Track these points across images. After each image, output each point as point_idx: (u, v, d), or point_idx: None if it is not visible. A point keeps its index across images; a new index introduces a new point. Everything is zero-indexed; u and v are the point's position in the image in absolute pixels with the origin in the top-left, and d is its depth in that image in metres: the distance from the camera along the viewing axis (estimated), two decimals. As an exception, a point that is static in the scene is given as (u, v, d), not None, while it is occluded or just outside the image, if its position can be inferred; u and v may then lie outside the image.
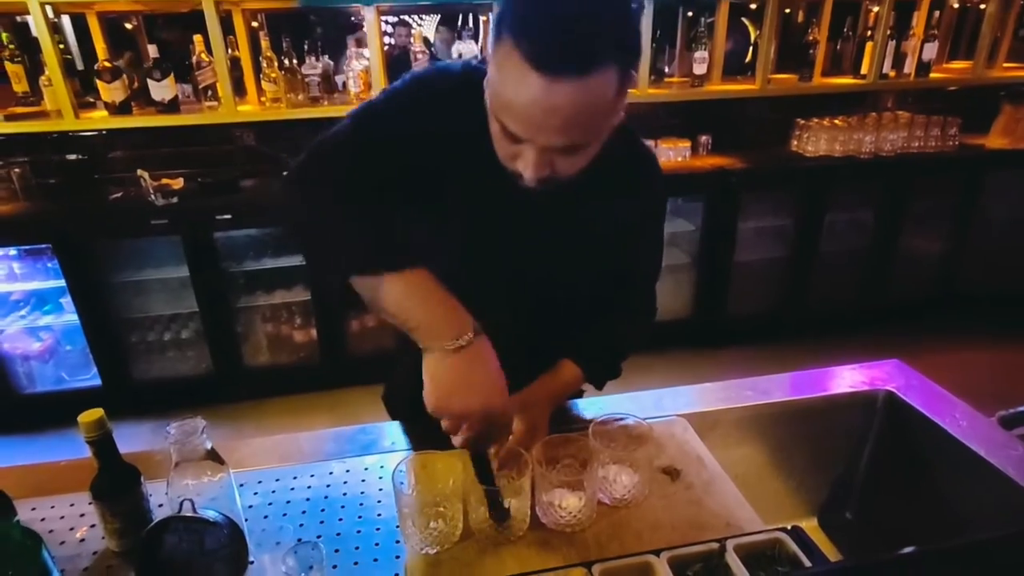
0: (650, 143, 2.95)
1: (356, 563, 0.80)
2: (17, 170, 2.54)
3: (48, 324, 2.65)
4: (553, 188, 0.80)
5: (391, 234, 0.77)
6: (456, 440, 0.76)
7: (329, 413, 2.72)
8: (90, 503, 0.78)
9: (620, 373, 1.05)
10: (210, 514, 0.67)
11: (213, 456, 0.75)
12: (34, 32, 2.48)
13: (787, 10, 3.32)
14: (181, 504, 0.65)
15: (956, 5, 3.42)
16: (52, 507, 0.90)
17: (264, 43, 2.59)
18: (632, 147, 0.95)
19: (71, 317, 2.54)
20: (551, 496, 0.83)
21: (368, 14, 2.48)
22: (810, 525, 1.18)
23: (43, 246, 2.42)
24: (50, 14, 2.24)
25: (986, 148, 3.08)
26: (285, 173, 0.85)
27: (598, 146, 0.78)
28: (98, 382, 2.63)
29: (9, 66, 2.42)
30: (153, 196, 2.48)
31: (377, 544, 0.83)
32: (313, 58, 2.62)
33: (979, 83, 3.12)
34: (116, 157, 2.71)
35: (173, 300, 2.68)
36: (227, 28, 2.52)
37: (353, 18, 3.29)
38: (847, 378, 1.19)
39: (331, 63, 2.84)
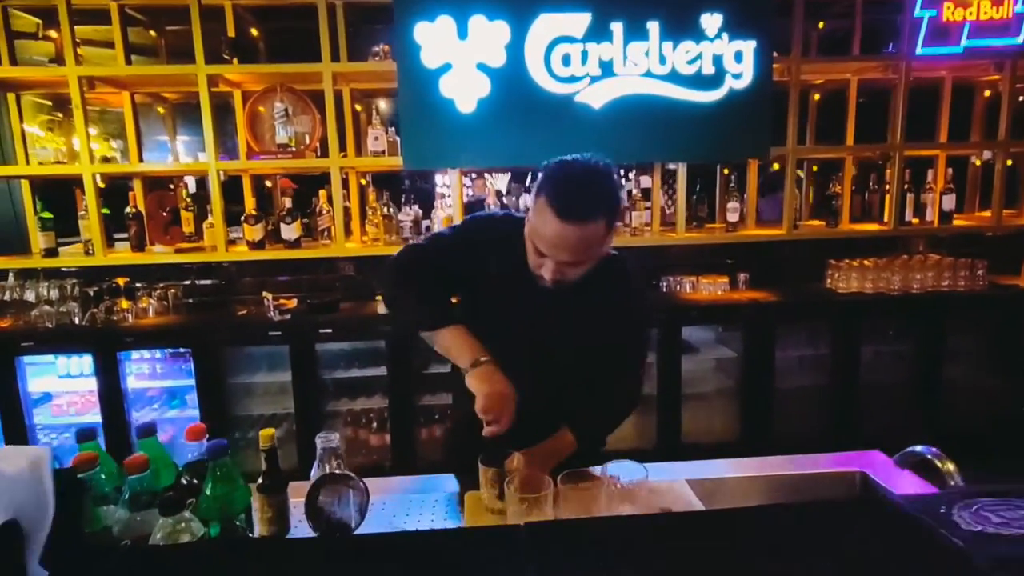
0: (692, 279, 3.34)
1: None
2: (173, 291, 3.21)
3: (172, 417, 3.16)
4: (562, 287, 1.27)
5: (445, 306, 1.33)
6: (487, 430, 1.17)
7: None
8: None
9: (604, 442, 1.44)
10: (350, 473, 1.03)
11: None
12: (192, 188, 3.30)
13: (815, 168, 3.78)
14: (331, 461, 1.01)
15: (978, 163, 3.78)
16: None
17: (371, 195, 3.27)
18: (618, 268, 1.41)
19: (192, 411, 3.04)
20: (570, 517, 1.12)
21: (452, 174, 3.12)
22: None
23: (184, 350, 2.99)
24: (222, 176, 3.00)
25: (1020, 287, 3.26)
26: (387, 261, 1.39)
27: (592, 263, 1.26)
28: (224, 441, 3.05)
29: (184, 213, 3.18)
30: (272, 313, 3.05)
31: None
32: (407, 207, 3.26)
33: (1003, 230, 3.38)
34: (247, 282, 3.37)
35: (274, 402, 3.15)
36: (344, 184, 3.23)
37: (440, 175, 4.02)
38: (834, 462, 1.43)
39: (420, 211, 3.48)
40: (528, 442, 1.30)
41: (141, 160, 3.13)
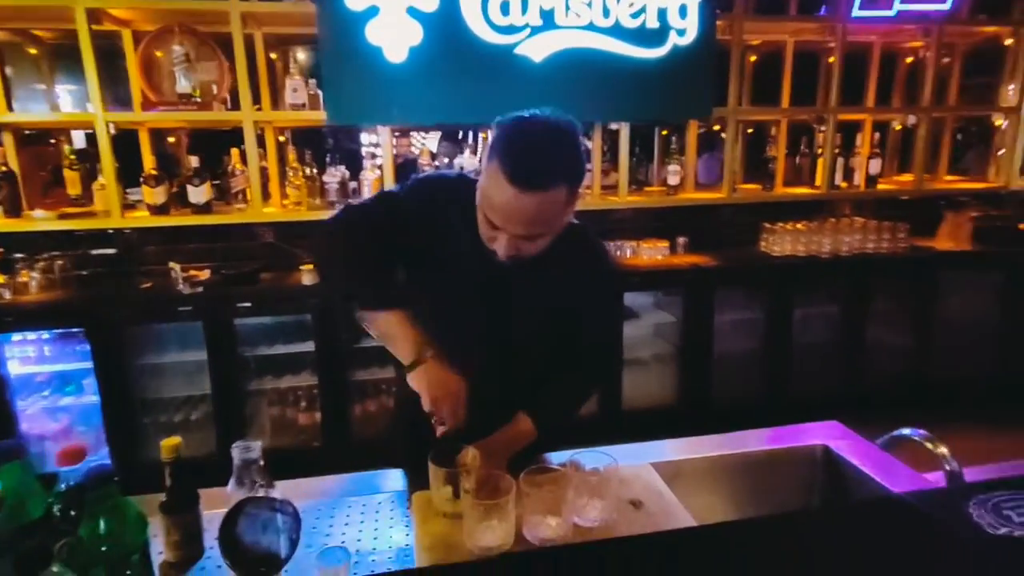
0: (633, 244, 3.28)
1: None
2: (59, 262, 2.81)
3: (67, 405, 2.81)
4: (519, 263, 1.11)
5: (390, 283, 1.14)
6: (438, 431, 1.05)
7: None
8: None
9: (567, 426, 1.30)
10: (275, 495, 0.85)
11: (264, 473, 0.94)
12: (80, 144, 2.88)
13: (749, 130, 3.78)
14: (254, 484, 0.83)
15: (899, 127, 3.89)
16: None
17: (291, 155, 2.97)
18: (583, 239, 1.25)
19: (91, 398, 2.71)
20: (535, 517, 1.00)
21: (383, 132, 2.87)
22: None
23: (76, 330, 2.63)
24: (112, 130, 2.61)
25: (935, 249, 3.41)
26: (323, 224, 1.20)
27: (552, 237, 1.10)
28: (107, 462, 2.74)
29: (68, 173, 2.76)
30: (181, 286, 2.74)
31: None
32: (333, 168, 2.99)
33: (923, 194, 3.51)
34: (150, 251, 3.00)
35: (188, 383, 2.86)
36: (259, 141, 2.90)
37: (368, 134, 3.72)
38: (793, 436, 1.39)
39: (347, 172, 3.20)
40: (484, 432, 1.16)
41: (10, 109, 2.67)
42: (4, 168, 2.69)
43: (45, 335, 2.72)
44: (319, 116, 2.77)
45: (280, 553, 0.80)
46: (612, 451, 1.32)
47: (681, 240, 3.40)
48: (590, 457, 1.10)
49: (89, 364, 2.64)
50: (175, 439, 0.93)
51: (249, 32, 2.77)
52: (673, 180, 3.28)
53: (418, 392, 1.07)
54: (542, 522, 1.00)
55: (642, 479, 1.18)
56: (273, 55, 3.10)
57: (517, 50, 2.74)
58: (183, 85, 2.69)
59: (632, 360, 3.19)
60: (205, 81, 2.79)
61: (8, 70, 2.83)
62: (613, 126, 3.09)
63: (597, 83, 2.84)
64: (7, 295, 2.65)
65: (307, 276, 2.84)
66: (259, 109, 2.82)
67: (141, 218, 2.76)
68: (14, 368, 2.68)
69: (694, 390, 3.23)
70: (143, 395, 2.81)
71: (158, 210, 2.76)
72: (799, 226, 3.34)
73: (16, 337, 2.69)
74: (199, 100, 2.73)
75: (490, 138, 1.07)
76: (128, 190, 2.86)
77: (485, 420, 1.15)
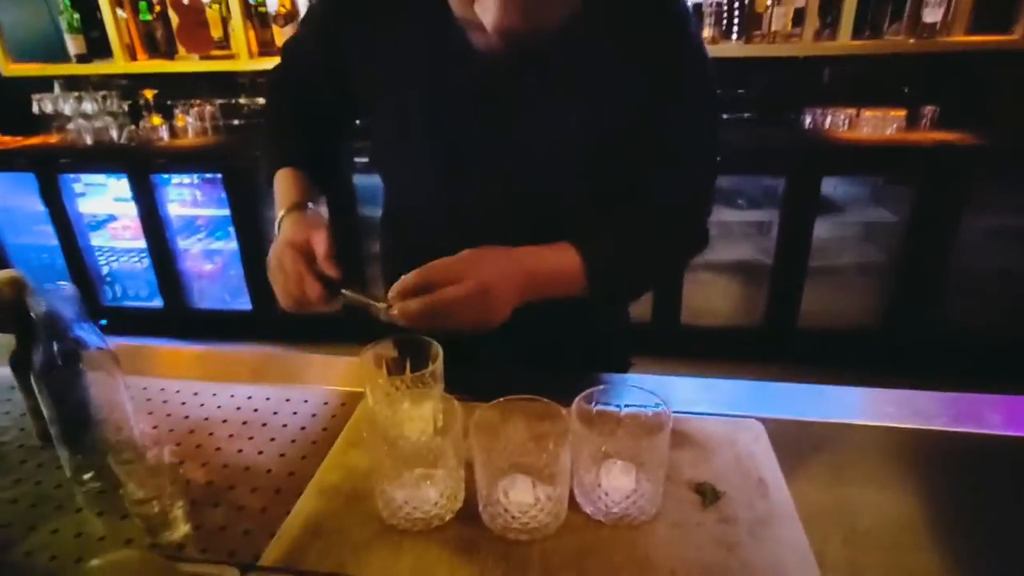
0: (850, 112, 2.39)
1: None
2: (209, 107, 2.84)
3: (219, 248, 2.96)
4: (528, 48, 0.59)
5: (289, 144, 0.85)
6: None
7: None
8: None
9: (637, 293, 0.81)
10: None
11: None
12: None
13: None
14: None
15: None
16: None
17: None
18: None
19: (232, 244, 2.80)
20: (496, 485, 0.57)
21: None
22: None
23: (215, 176, 2.67)
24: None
25: None
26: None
27: None
28: (249, 307, 2.87)
29: (209, 13, 2.69)
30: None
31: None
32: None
33: None
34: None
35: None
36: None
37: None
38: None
39: None
40: (491, 346, 0.73)
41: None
42: (159, 8, 2.71)
43: (196, 180, 2.83)
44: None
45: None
46: (712, 385, 0.82)
47: (928, 110, 2.40)
48: (638, 395, 0.62)
49: (228, 211, 2.69)
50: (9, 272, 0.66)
51: None
52: (931, 16, 2.25)
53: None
54: (507, 491, 0.57)
55: (736, 449, 0.67)
56: None
57: None
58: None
59: (820, 268, 2.43)
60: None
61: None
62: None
63: None
64: (165, 137, 2.76)
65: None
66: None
67: (270, 60, 2.63)
68: (174, 209, 2.84)
69: (907, 312, 2.39)
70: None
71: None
72: None
73: (175, 180, 2.83)
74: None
75: None
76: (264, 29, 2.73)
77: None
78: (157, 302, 2.94)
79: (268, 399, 0.83)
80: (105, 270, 3.07)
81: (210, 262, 3.03)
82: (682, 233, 0.77)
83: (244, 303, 2.90)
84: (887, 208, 2.43)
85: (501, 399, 0.60)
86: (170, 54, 2.77)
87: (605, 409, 0.62)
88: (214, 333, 2.91)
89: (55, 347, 0.60)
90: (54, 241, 2.82)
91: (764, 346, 2.49)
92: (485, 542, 0.57)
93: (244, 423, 0.78)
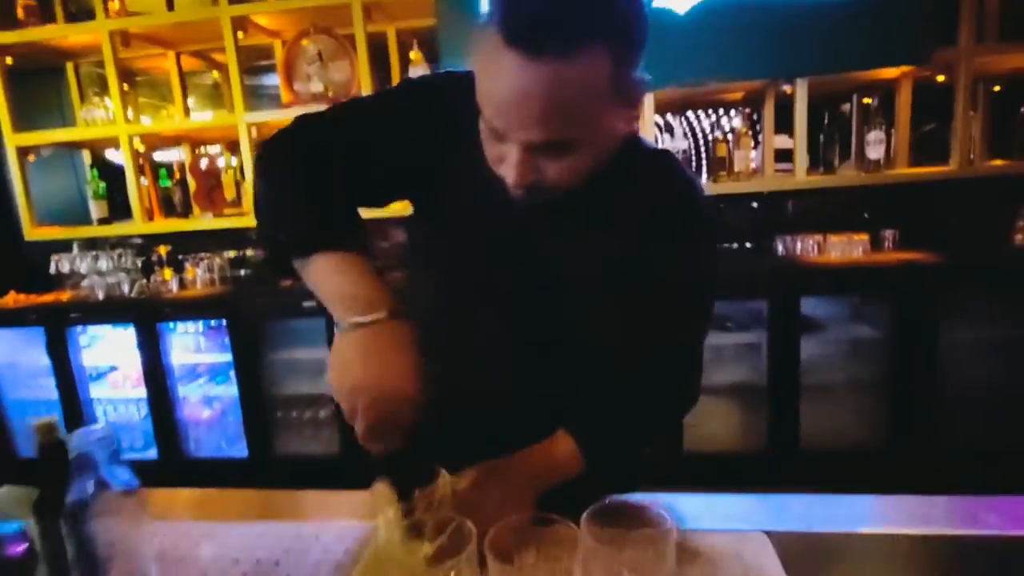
0: (817, 238, 2.58)
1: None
2: (217, 260, 3.01)
3: (219, 394, 2.98)
4: (545, 200, 0.70)
5: (339, 213, 0.74)
6: (358, 432, 0.67)
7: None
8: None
9: (629, 458, 0.83)
10: None
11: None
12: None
13: (996, 87, 2.80)
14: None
15: None
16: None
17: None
18: (659, 168, 0.79)
19: (232, 389, 2.82)
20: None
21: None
22: None
23: (220, 322, 2.77)
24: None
25: None
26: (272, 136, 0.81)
27: (593, 152, 0.68)
28: (246, 453, 2.83)
29: (225, 178, 2.96)
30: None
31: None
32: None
33: None
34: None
35: (318, 381, 2.85)
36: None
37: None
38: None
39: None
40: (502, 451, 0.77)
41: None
42: (179, 175, 2.97)
43: (201, 327, 2.92)
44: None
45: None
46: (714, 503, 0.84)
47: (888, 233, 2.60)
48: (645, 511, 0.65)
49: (230, 356, 2.75)
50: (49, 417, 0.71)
51: (380, 29, 2.74)
52: (874, 153, 2.52)
53: (332, 376, 0.67)
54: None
55: (744, 563, 0.69)
56: (413, 54, 3.04)
57: (656, 2, 2.29)
58: (316, 85, 2.72)
59: (817, 386, 2.47)
60: (339, 81, 2.80)
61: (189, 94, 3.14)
62: (785, 87, 2.45)
63: (760, 31, 2.27)
64: (175, 289, 2.89)
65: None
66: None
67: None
68: (177, 357, 2.90)
69: (909, 431, 2.40)
70: (276, 391, 2.87)
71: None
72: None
73: (180, 328, 2.92)
74: (331, 98, 2.74)
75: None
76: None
77: (504, 446, 0.77)
78: (152, 452, 2.89)
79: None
80: (101, 422, 3.05)
81: (208, 408, 3.02)
82: (674, 392, 0.85)
83: (241, 450, 2.86)
84: (869, 324, 2.54)
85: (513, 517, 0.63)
86: (185, 214, 2.99)
87: (614, 526, 0.65)
88: (208, 481, 2.83)
89: (89, 487, 0.64)
90: (54, 395, 2.84)
91: (768, 470, 2.46)
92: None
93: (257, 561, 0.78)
